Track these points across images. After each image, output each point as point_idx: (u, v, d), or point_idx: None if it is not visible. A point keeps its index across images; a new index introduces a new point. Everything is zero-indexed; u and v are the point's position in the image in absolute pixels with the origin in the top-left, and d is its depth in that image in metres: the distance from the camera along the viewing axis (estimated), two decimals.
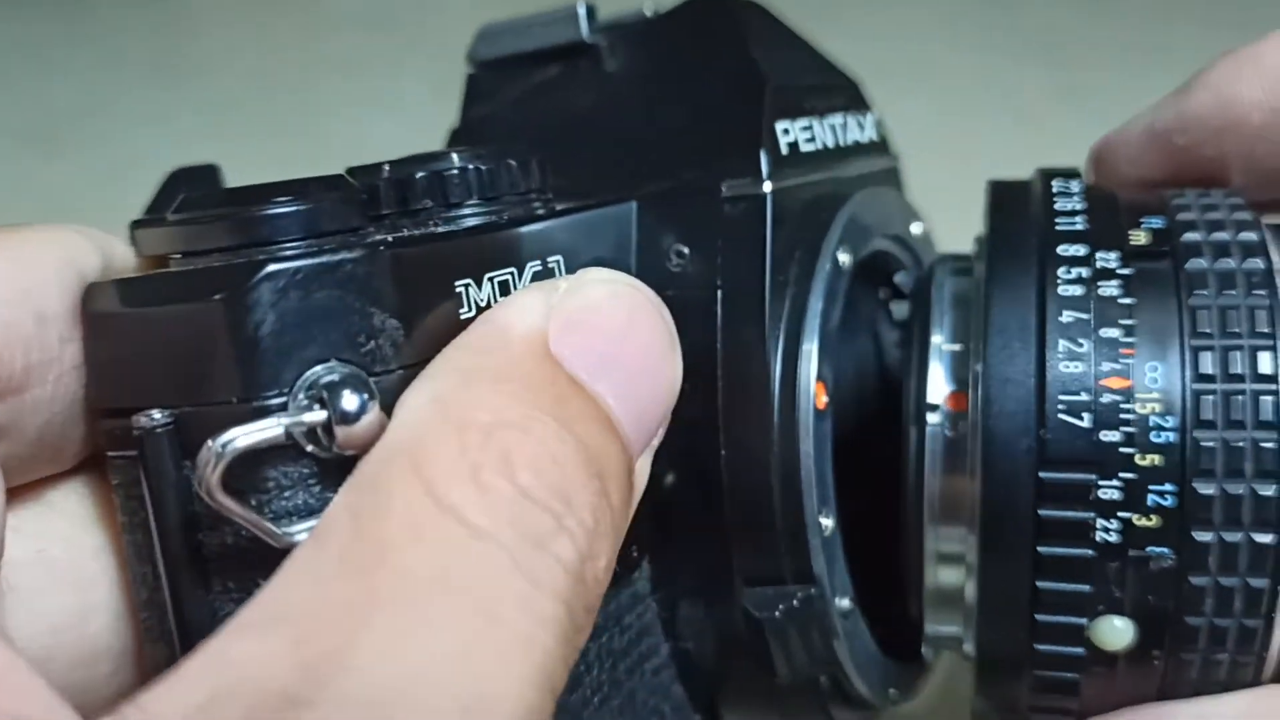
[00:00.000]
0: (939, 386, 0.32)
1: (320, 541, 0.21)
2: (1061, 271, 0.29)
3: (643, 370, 0.27)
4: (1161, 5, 0.94)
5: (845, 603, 0.31)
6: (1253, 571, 0.27)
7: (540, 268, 0.28)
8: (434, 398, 0.23)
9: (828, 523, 0.30)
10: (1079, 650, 0.29)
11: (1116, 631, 0.28)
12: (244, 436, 0.22)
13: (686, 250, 0.31)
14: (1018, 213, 0.32)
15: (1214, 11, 0.90)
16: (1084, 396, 0.28)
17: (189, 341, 0.23)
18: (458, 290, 0.26)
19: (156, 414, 0.23)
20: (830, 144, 0.34)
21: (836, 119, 0.35)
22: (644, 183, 0.31)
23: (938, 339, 0.32)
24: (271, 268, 0.23)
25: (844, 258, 0.32)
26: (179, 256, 0.25)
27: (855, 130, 0.36)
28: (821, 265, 0.31)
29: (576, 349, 0.25)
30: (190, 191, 0.27)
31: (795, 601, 0.30)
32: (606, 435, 0.25)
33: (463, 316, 0.26)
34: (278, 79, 0.88)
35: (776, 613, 0.30)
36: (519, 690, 0.20)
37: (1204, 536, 0.27)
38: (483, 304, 0.26)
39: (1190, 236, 0.29)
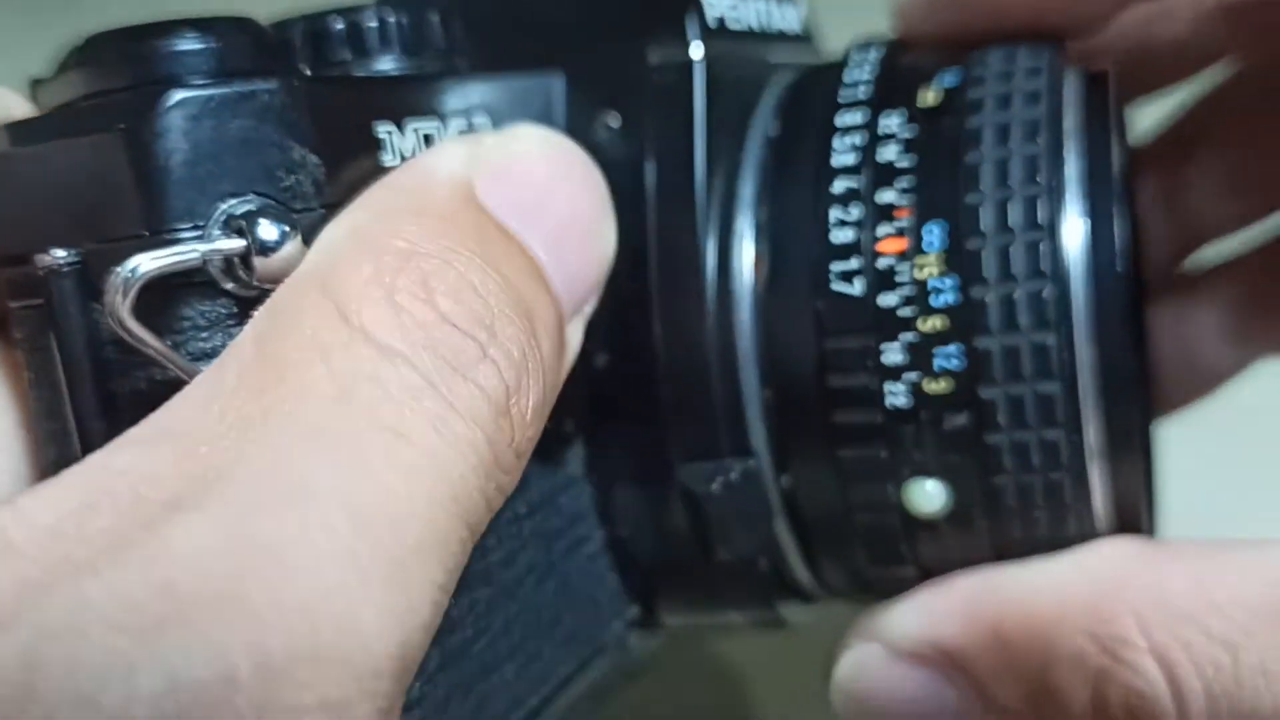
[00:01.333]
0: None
1: (220, 365, 0.20)
2: (836, 140, 0.29)
3: (575, 227, 0.26)
4: None
5: (787, 480, 0.30)
6: (1043, 424, 0.27)
7: (465, 125, 0.27)
8: (349, 228, 0.22)
9: (770, 394, 0.29)
10: (894, 519, 0.29)
11: (928, 496, 0.28)
12: (155, 260, 0.21)
13: (614, 123, 0.30)
14: (811, 89, 0.32)
15: None
16: (855, 263, 0.28)
17: (92, 175, 0.22)
18: (380, 135, 0.25)
19: (60, 253, 0.22)
20: (754, 26, 0.33)
21: (760, 2, 0.34)
22: (569, 52, 0.30)
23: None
24: (181, 94, 0.22)
25: (774, 133, 0.31)
26: (81, 102, 0.24)
27: (778, 18, 0.35)
28: (753, 136, 0.31)
29: (504, 198, 0.24)
30: None
31: (733, 475, 0.29)
32: (535, 283, 0.24)
33: (385, 164, 0.25)
34: None
35: (714, 486, 0.29)
36: (427, 512, 0.19)
37: (989, 393, 0.27)
38: (406, 153, 0.25)
39: (976, 92, 0.29)
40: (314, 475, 0.18)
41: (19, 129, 0.23)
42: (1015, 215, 0.27)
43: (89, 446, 0.22)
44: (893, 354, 0.28)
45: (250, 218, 0.22)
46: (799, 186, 0.30)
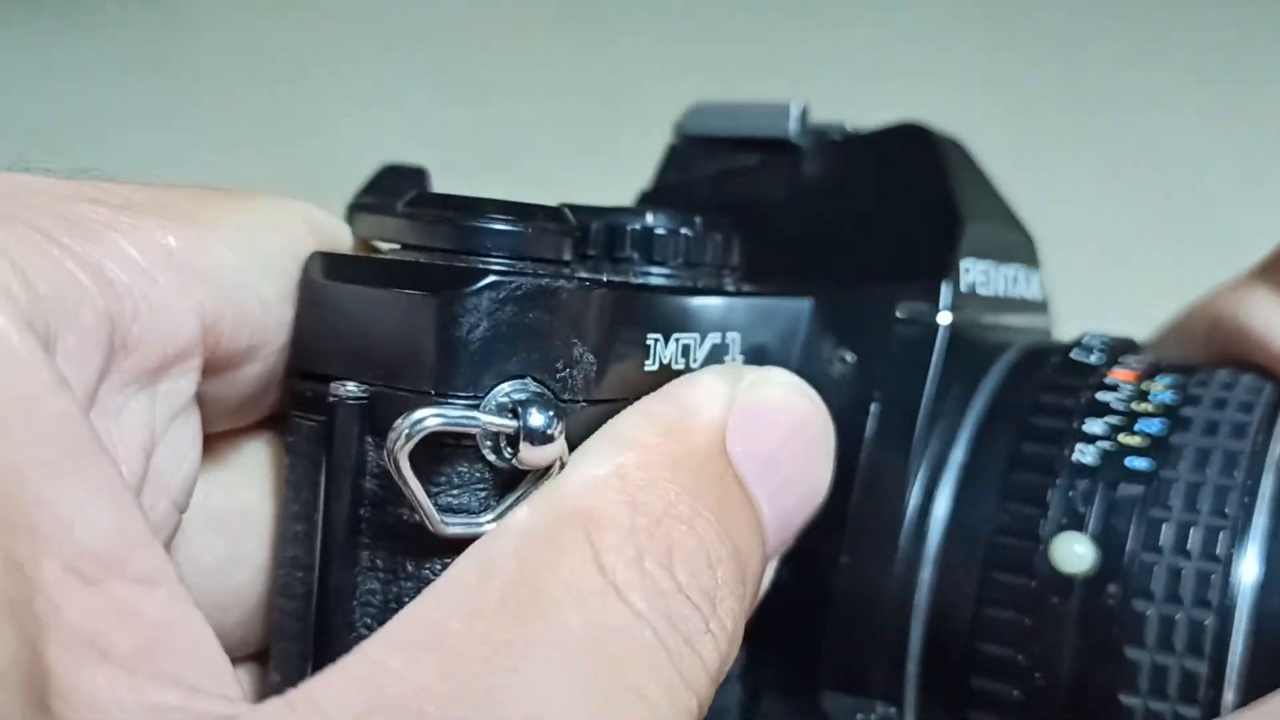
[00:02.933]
0: None
1: (484, 577, 0.22)
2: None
3: (798, 481, 0.28)
4: (1164, 3, 0.93)
5: None
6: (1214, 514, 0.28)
7: (719, 340, 0.29)
8: (616, 471, 0.24)
9: (927, 650, 0.31)
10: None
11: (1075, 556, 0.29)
12: (438, 419, 0.23)
13: (850, 358, 0.32)
14: (1042, 357, 0.33)
15: (1215, 11, 0.89)
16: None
17: (402, 327, 0.24)
18: (648, 342, 0.27)
19: (352, 386, 0.24)
20: (1001, 293, 0.35)
21: (1010, 270, 0.36)
22: (823, 284, 0.32)
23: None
24: (495, 278, 0.24)
25: (997, 398, 0.33)
26: (398, 247, 0.27)
27: (1023, 285, 0.37)
28: (975, 403, 0.32)
29: (747, 448, 0.26)
30: (398, 186, 0.28)
31: (874, 717, 0.31)
32: (754, 541, 0.26)
33: (646, 369, 0.27)
34: (277, 79, 0.89)
35: None
36: None
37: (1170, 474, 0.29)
38: (665, 360, 0.27)
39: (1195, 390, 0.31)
40: (566, 713, 0.20)
41: (353, 266, 0.26)
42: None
43: (327, 556, 0.25)
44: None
45: (525, 405, 0.24)
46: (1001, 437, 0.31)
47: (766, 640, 0.32)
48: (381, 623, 0.24)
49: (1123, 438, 0.30)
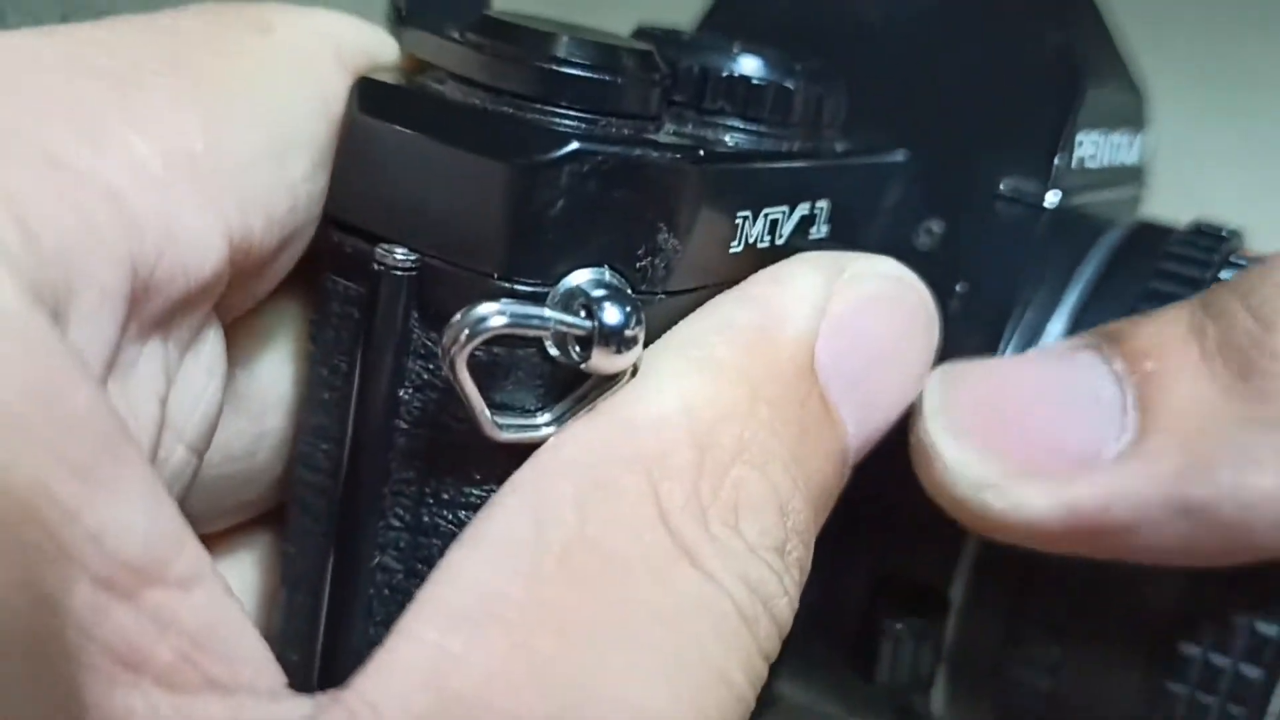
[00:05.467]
0: None
1: (541, 529, 0.19)
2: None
3: (892, 393, 0.25)
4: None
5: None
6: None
7: (808, 211, 0.26)
8: (685, 406, 0.21)
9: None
10: None
11: None
12: (504, 319, 0.20)
13: (938, 228, 0.29)
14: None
15: (1211, 8, 0.87)
16: None
17: (466, 194, 0.21)
18: (737, 221, 0.24)
19: (400, 254, 0.21)
20: (1106, 163, 0.31)
21: (1117, 137, 0.32)
22: (919, 139, 0.29)
23: None
24: (578, 146, 0.21)
25: (1096, 284, 0.30)
26: (453, 78, 0.23)
27: (1125, 151, 0.33)
28: (1069, 294, 0.29)
29: (838, 361, 0.23)
30: None
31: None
32: (833, 466, 0.23)
33: (731, 250, 0.24)
34: None
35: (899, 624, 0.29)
36: None
37: None
38: (751, 239, 0.24)
39: None
40: (654, 706, 0.18)
41: (395, 98, 0.22)
42: None
43: (361, 442, 0.22)
44: None
45: (603, 306, 0.20)
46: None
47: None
48: (415, 518, 0.22)
49: None
